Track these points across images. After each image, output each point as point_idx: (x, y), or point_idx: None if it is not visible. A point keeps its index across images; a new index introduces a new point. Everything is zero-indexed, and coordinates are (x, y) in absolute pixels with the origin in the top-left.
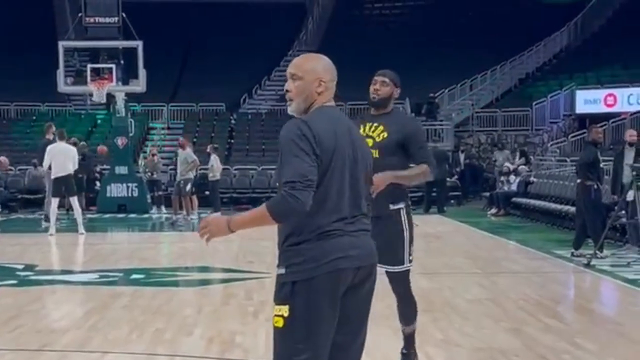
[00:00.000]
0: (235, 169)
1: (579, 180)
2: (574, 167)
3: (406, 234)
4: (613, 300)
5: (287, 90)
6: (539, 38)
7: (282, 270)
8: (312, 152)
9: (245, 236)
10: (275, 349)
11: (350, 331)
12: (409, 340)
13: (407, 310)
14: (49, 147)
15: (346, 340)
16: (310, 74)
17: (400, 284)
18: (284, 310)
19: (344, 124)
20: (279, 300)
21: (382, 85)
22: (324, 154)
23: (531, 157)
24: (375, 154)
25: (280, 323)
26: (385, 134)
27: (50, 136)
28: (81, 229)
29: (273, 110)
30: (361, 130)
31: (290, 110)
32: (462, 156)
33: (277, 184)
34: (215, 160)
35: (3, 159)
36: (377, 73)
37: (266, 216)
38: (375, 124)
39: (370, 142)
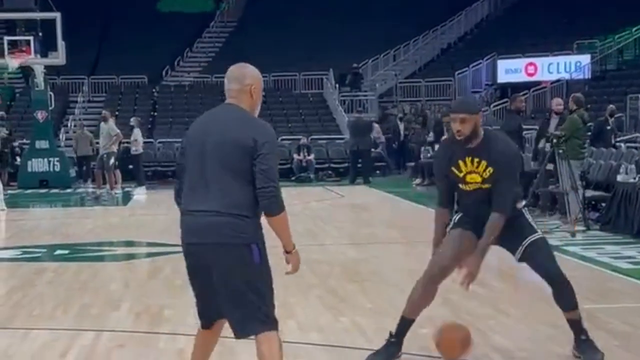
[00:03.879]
0: (159, 142)
1: None
2: None
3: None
4: None
5: None
6: (460, 8)
7: None
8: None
9: (170, 210)
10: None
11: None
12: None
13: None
14: None
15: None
16: None
17: None
18: None
19: (205, 121)
20: None
21: (462, 123)
22: (185, 150)
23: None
24: (486, 187)
25: None
26: (491, 169)
27: None
28: (2, 204)
29: (196, 82)
30: (462, 166)
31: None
32: (401, 125)
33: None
34: (138, 134)
35: None
36: (450, 110)
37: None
38: (476, 159)
39: (477, 178)
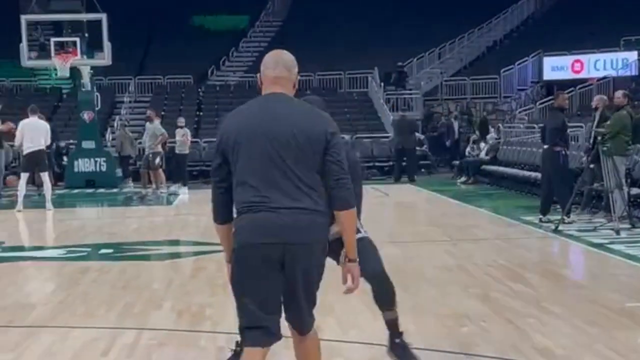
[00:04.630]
0: (205, 142)
1: (546, 146)
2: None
3: None
4: (579, 264)
5: None
6: (506, 5)
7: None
8: (219, 149)
9: None
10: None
11: (289, 298)
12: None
13: None
14: (21, 123)
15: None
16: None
17: None
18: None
19: (257, 113)
20: None
21: None
22: (227, 147)
23: (499, 125)
24: None
25: None
26: None
27: None
28: (49, 204)
29: (241, 82)
30: None
31: None
32: (456, 124)
33: None
34: (185, 134)
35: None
36: None
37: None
38: None
39: None
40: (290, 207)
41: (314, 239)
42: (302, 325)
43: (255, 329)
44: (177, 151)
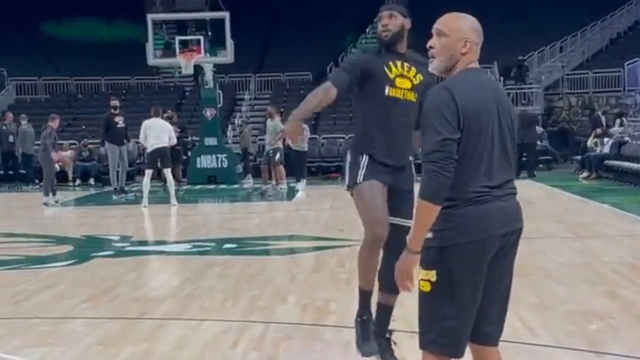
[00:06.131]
0: (323, 138)
1: None
2: None
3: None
4: None
5: (430, 47)
6: None
7: (430, 235)
8: (454, 121)
9: (334, 205)
10: (421, 313)
11: (494, 297)
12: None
13: None
14: (144, 123)
15: (490, 306)
16: (457, 32)
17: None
18: (431, 275)
19: (489, 88)
20: (425, 264)
21: (389, 19)
22: (469, 121)
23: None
24: (413, 97)
25: (427, 287)
26: (421, 77)
27: (113, 110)
28: (173, 200)
29: None
30: (393, 70)
31: (432, 67)
32: (603, 117)
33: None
34: (305, 130)
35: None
36: (382, 8)
37: (429, 207)
38: (406, 64)
39: (407, 83)
40: (512, 192)
41: (522, 225)
42: (494, 335)
43: None
44: (295, 147)
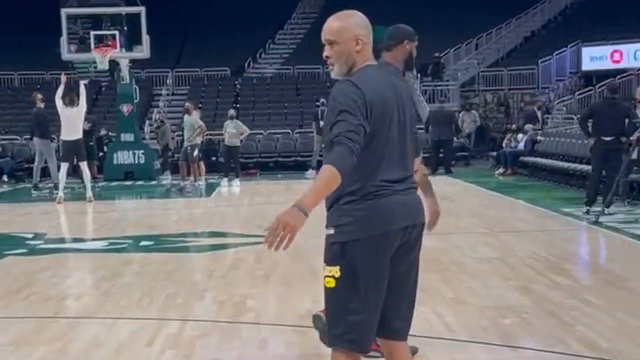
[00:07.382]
0: (258, 134)
1: (610, 138)
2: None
3: None
4: (621, 256)
5: (326, 57)
6: None
7: (331, 231)
8: (362, 112)
9: (253, 201)
10: (328, 309)
11: (402, 292)
12: None
13: None
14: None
15: (398, 300)
16: (346, 34)
17: None
18: (335, 271)
19: (389, 84)
20: (329, 261)
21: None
22: (374, 115)
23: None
24: None
25: (331, 284)
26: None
27: (41, 104)
28: (89, 193)
29: (279, 73)
30: None
31: (334, 74)
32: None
33: (323, 144)
34: (235, 126)
35: None
36: None
37: (335, 176)
38: None
39: None
40: (411, 186)
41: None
42: (403, 329)
43: None
44: (228, 143)
